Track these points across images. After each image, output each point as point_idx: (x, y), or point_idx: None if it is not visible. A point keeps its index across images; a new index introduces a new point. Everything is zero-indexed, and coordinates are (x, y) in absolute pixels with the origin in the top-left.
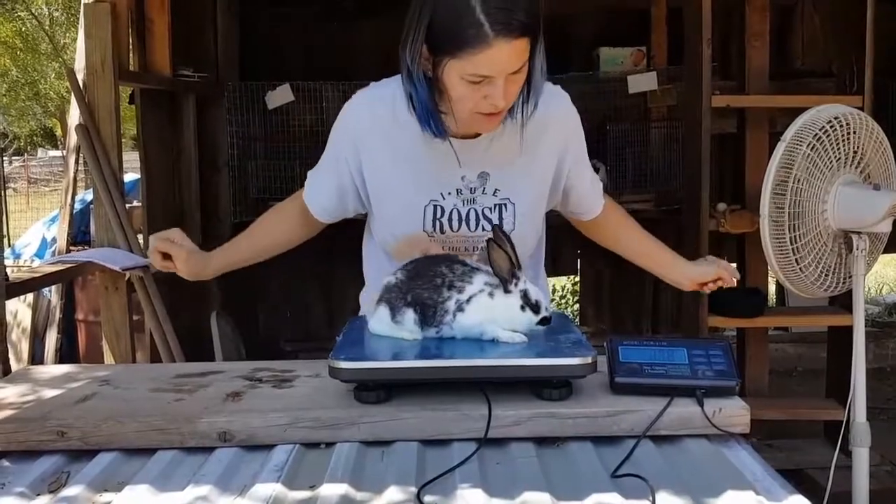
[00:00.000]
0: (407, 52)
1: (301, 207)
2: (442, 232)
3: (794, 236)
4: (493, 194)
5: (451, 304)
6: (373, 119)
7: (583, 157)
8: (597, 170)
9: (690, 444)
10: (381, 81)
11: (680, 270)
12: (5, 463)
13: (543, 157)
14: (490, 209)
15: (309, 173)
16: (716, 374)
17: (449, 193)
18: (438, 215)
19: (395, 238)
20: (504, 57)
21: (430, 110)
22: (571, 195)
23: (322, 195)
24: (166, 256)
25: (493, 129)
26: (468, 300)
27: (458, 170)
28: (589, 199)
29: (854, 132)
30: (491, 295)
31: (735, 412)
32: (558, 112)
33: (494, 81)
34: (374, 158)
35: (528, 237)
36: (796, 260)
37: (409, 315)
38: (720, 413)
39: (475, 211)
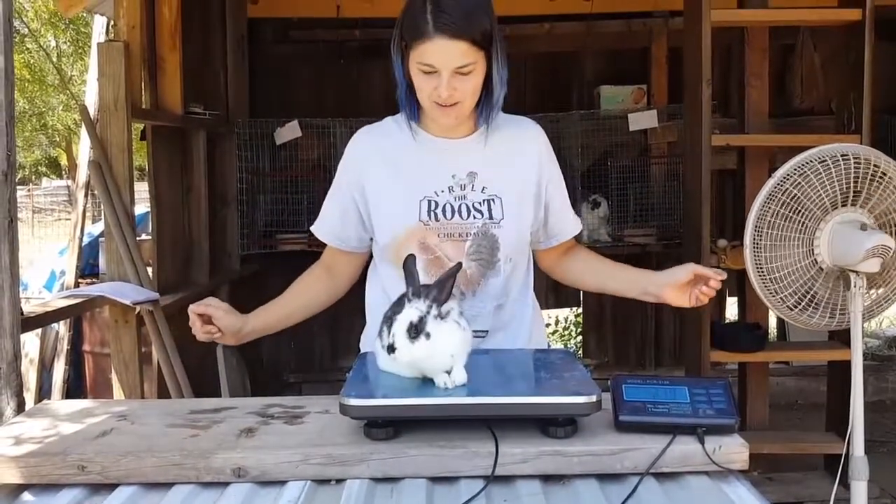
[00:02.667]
0: (392, 49)
1: (325, 263)
2: (437, 220)
3: (771, 267)
4: (482, 191)
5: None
6: (372, 145)
7: (558, 178)
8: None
9: (691, 480)
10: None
11: (650, 280)
12: (27, 496)
13: (525, 162)
14: (480, 203)
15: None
16: (716, 412)
17: (442, 191)
18: (433, 208)
19: (394, 237)
20: (442, 51)
21: (405, 95)
22: (551, 209)
23: (326, 220)
24: (205, 321)
25: (450, 122)
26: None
27: (449, 169)
28: (566, 217)
29: (864, 170)
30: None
31: (734, 449)
32: (533, 132)
33: (440, 74)
34: (373, 176)
35: (515, 235)
36: (775, 290)
37: (385, 336)
38: (720, 450)
39: (466, 204)
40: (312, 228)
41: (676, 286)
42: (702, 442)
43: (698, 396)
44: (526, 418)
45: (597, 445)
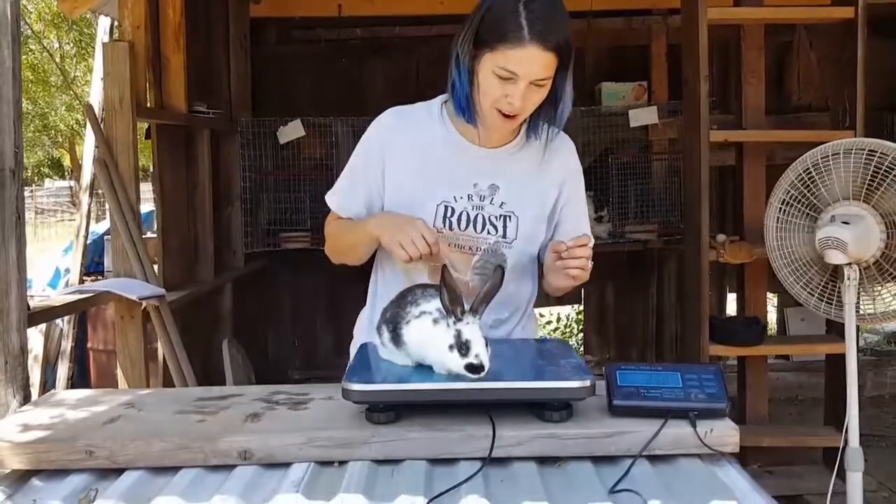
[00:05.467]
0: (458, 43)
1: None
2: (450, 229)
3: (778, 255)
4: (500, 206)
5: (405, 318)
6: (400, 126)
7: (578, 198)
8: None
9: (684, 462)
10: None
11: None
12: (36, 481)
13: (548, 182)
14: (496, 218)
15: (330, 193)
16: (708, 396)
17: (461, 197)
18: (448, 214)
19: None
20: (532, 60)
21: (468, 95)
22: (560, 229)
23: (354, 203)
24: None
25: (504, 132)
26: (418, 315)
27: (472, 177)
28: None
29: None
30: (435, 321)
31: (725, 432)
32: (565, 150)
33: (518, 82)
34: (396, 158)
35: (524, 256)
36: (786, 272)
37: (385, 333)
38: (711, 433)
39: (482, 216)
40: (338, 212)
41: (550, 269)
42: (694, 425)
43: (690, 381)
44: (522, 403)
45: (591, 429)
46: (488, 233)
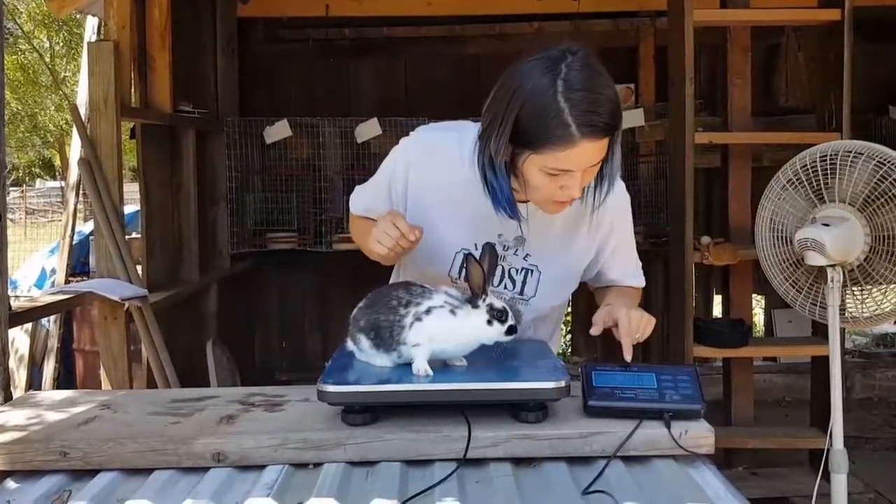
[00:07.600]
0: (491, 145)
1: None
2: (465, 280)
3: (765, 255)
4: (524, 258)
5: (409, 319)
6: (428, 164)
7: (624, 245)
8: None
9: (658, 464)
10: (444, 124)
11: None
12: (11, 482)
13: (583, 237)
14: (517, 271)
15: (358, 188)
16: (682, 397)
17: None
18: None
19: (421, 277)
20: (587, 154)
21: (510, 199)
22: (601, 273)
23: (381, 205)
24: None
25: (561, 211)
26: (427, 311)
27: (498, 227)
28: (617, 275)
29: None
30: (453, 312)
31: (700, 434)
32: (610, 200)
33: (573, 174)
34: (420, 194)
35: (546, 307)
36: (775, 270)
37: (364, 341)
38: (686, 435)
39: (502, 268)
40: (363, 213)
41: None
42: (668, 426)
43: (665, 382)
44: (498, 403)
45: (566, 430)
46: (505, 287)
